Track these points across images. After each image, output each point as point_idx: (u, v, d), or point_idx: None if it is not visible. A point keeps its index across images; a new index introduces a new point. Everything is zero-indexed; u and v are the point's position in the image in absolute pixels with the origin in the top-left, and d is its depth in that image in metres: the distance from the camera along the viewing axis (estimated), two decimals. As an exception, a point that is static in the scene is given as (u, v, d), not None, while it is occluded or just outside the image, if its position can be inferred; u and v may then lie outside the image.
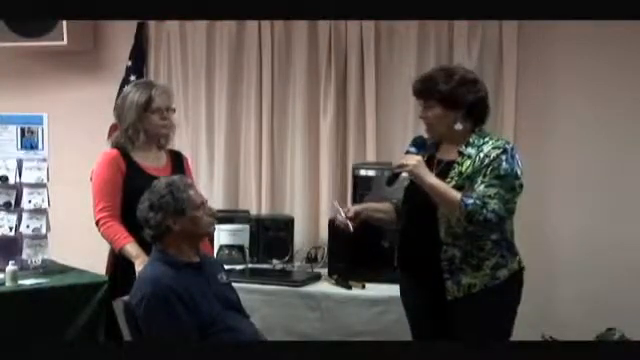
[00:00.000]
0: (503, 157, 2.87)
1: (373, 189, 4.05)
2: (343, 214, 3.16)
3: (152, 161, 3.51)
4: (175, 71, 4.80)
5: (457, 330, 2.98)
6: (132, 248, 3.31)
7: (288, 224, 4.43)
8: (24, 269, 3.80)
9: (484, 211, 2.82)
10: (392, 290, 3.69)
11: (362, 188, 4.05)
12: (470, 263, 2.93)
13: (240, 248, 4.19)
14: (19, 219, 3.93)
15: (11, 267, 3.62)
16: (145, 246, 3.25)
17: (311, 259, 4.33)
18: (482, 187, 2.86)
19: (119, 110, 3.52)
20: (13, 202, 3.94)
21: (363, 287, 3.77)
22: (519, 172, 2.89)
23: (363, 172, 4.06)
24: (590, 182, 4.21)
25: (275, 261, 4.29)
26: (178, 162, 3.63)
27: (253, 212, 4.59)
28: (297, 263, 4.36)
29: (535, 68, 4.25)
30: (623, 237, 4.13)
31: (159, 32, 4.83)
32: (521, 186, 2.91)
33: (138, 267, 3.26)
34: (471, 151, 2.93)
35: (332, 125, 4.51)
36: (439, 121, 2.98)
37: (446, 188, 2.90)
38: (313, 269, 4.18)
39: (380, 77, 4.45)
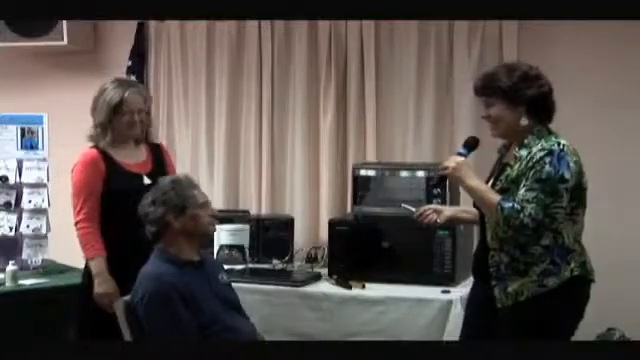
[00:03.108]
0: (547, 159, 2.76)
1: (373, 189, 4.06)
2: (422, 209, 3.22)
3: (132, 157, 3.47)
4: (175, 71, 4.80)
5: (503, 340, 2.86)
6: (96, 264, 3.31)
7: (288, 224, 4.43)
8: (24, 269, 3.81)
9: (521, 216, 2.73)
10: (392, 290, 3.71)
11: (362, 188, 4.06)
12: (516, 269, 2.84)
13: (240, 248, 4.18)
14: (19, 219, 3.94)
15: (11, 267, 3.63)
16: (127, 250, 3.22)
17: (311, 259, 4.32)
18: (522, 191, 2.77)
19: (94, 104, 3.48)
20: (13, 202, 3.95)
21: (363, 287, 3.77)
22: (567, 175, 2.77)
23: (363, 172, 4.06)
24: (590, 182, 4.20)
25: (275, 261, 4.28)
26: (158, 156, 3.59)
27: (253, 212, 4.59)
28: (297, 263, 4.35)
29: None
30: (623, 237, 4.13)
31: (159, 32, 4.83)
32: (567, 190, 2.78)
33: (95, 288, 3.27)
34: (523, 153, 2.84)
35: (332, 125, 4.50)
36: (501, 118, 2.88)
37: (484, 191, 2.85)
38: (313, 269, 4.17)
39: (380, 77, 4.44)
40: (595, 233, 4.09)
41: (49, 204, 3.99)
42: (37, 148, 4.03)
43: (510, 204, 2.76)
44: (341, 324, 3.68)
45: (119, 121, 3.41)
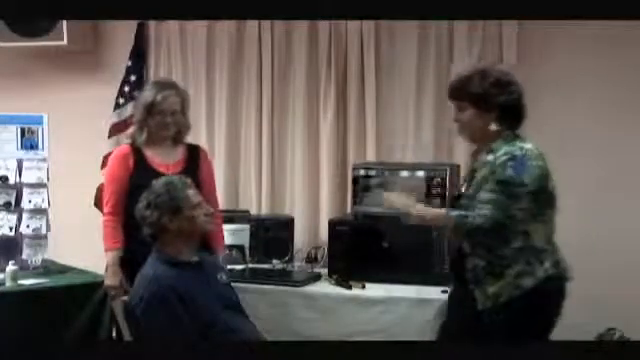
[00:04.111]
0: (509, 163, 2.80)
1: (373, 189, 4.05)
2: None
3: (164, 157, 3.58)
4: (175, 71, 4.80)
5: (488, 341, 2.89)
6: (110, 256, 3.45)
7: (288, 224, 4.42)
8: (24, 269, 3.80)
9: (469, 219, 2.80)
10: (392, 290, 3.71)
11: (362, 188, 4.06)
12: (492, 272, 2.87)
13: (240, 248, 4.18)
14: (19, 219, 3.93)
15: (11, 267, 3.63)
16: (145, 245, 3.25)
17: (311, 259, 4.32)
18: (481, 193, 2.82)
19: (135, 103, 3.66)
20: (13, 202, 3.95)
21: (363, 287, 3.77)
22: (526, 180, 2.79)
23: (363, 172, 4.06)
24: (590, 182, 4.20)
25: (275, 261, 4.28)
26: (194, 158, 3.66)
27: (253, 212, 4.58)
28: (297, 263, 4.35)
29: (535, 68, 4.25)
30: (623, 237, 4.13)
31: (159, 32, 4.83)
32: (526, 193, 2.79)
33: (105, 280, 3.44)
34: (490, 158, 2.87)
35: (332, 125, 4.50)
36: (471, 124, 2.93)
37: (433, 214, 2.99)
38: (313, 269, 4.17)
39: (380, 77, 4.44)
40: (595, 234, 4.10)
41: (49, 204, 3.99)
42: (37, 148, 4.03)
43: (456, 212, 2.85)
44: (341, 324, 3.68)
45: (152, 121, 3.54)
